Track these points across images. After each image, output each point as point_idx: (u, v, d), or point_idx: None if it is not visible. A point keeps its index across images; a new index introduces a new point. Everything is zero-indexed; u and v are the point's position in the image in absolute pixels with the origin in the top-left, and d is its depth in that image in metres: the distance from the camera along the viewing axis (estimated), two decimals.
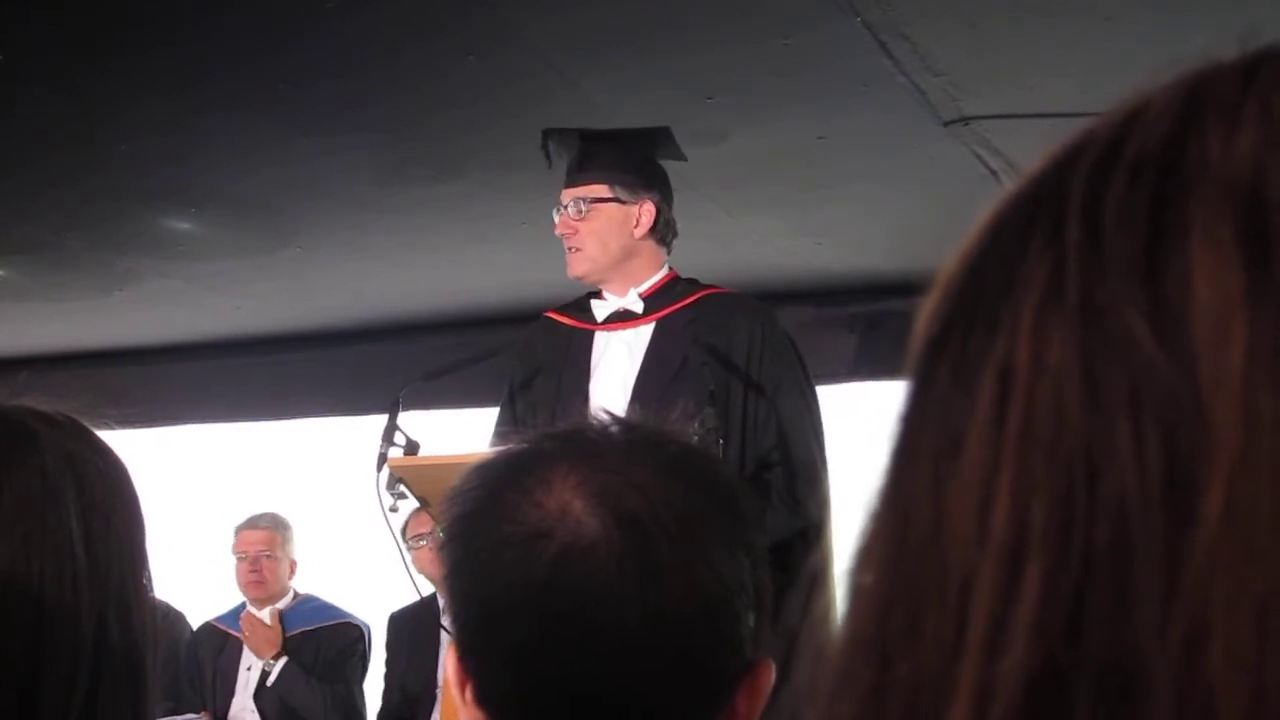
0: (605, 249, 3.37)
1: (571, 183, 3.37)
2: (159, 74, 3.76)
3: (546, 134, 3.42)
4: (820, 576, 3.19)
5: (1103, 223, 0.41)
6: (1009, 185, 0.46)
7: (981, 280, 0.44)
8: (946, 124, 4.03)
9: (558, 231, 3.36)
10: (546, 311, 3.60)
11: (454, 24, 3.47)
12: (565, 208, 3.35)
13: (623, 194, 3.36)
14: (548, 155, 3.43)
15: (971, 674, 0.40)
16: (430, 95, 3.92)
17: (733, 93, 3.88)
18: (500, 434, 3.42)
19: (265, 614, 5.18)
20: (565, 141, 3.40)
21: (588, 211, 3.33)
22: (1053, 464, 0.40)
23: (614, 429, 1.07)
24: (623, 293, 3.43)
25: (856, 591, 0.45)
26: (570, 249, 3.36)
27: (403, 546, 4.09)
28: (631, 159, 3.41)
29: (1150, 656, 0.37)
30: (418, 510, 4.40)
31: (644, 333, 3.41)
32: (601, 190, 3.35)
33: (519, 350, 3.57)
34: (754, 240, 5.24)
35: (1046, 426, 0.40)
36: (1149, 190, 0.41)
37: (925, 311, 0.46)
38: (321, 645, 5.19)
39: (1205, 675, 0.37)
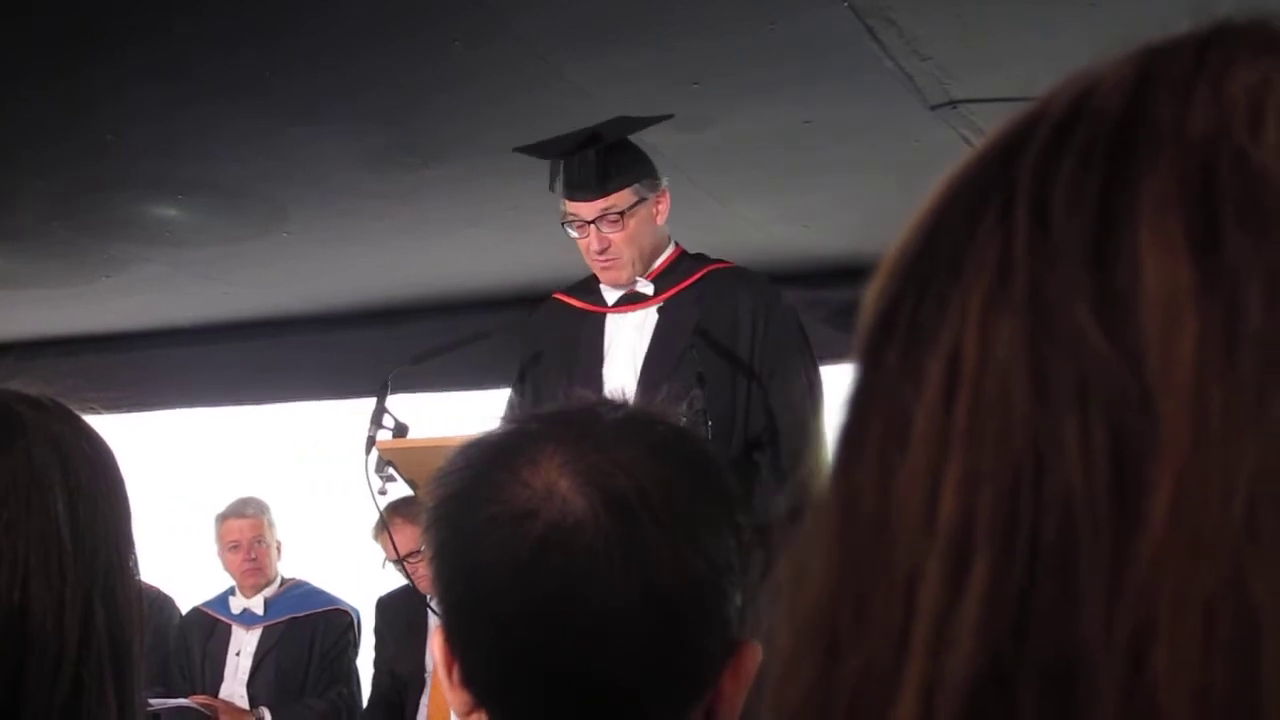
0: (641, 251, 3.33)
1: (593, 196, 3.25)
2: (146, 62, 3.75)
3: (561, 158, 3.28)
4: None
5: (1051, 209, 0.40)
6: (958, 162, 0.45)
7: (929, 261, 0.43)
8: (934, 108, 4.03)
9: (593, 248, 3.27)
10: (555, 294, 3.56)
11: (442, 12, 3.46)
12: (594, 224, 3.25)
13: (645, 191, 3.30)
14: (555, 178, 3.28)
15: (918, 669, 0.39)
16: (418, 82, 3.92)
17: (719, 78, 3.87)
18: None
19: (258, 600, 5.18)
20: (582, 158, 3.26)
21: (621, 222, 3.27)
22: (1000, 457, 0.39)
23: (601, 409, 1.07)
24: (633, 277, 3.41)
25: (803, 578, 0.44)
26: (607, 262, 3.30)
27: (391, 530, 4.10)
28: (639, 153, 3.35)
29: (1095, 656, 0.37)
30: (394, 510, 4.39)
31: (653, 314, 3.39)
32: (627, 197, 3.26)
33: (529, 332, 3.54)
34: (741, 225, 5.24)
35: (993, 418, 0.40)
36: (1098, 177, 0.40)
37: (873, 291, 0.45)
38: (316, 634, 5.18)
39: (1150, 676, 0.36)
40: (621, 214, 3.26)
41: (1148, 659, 0.36)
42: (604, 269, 3.33)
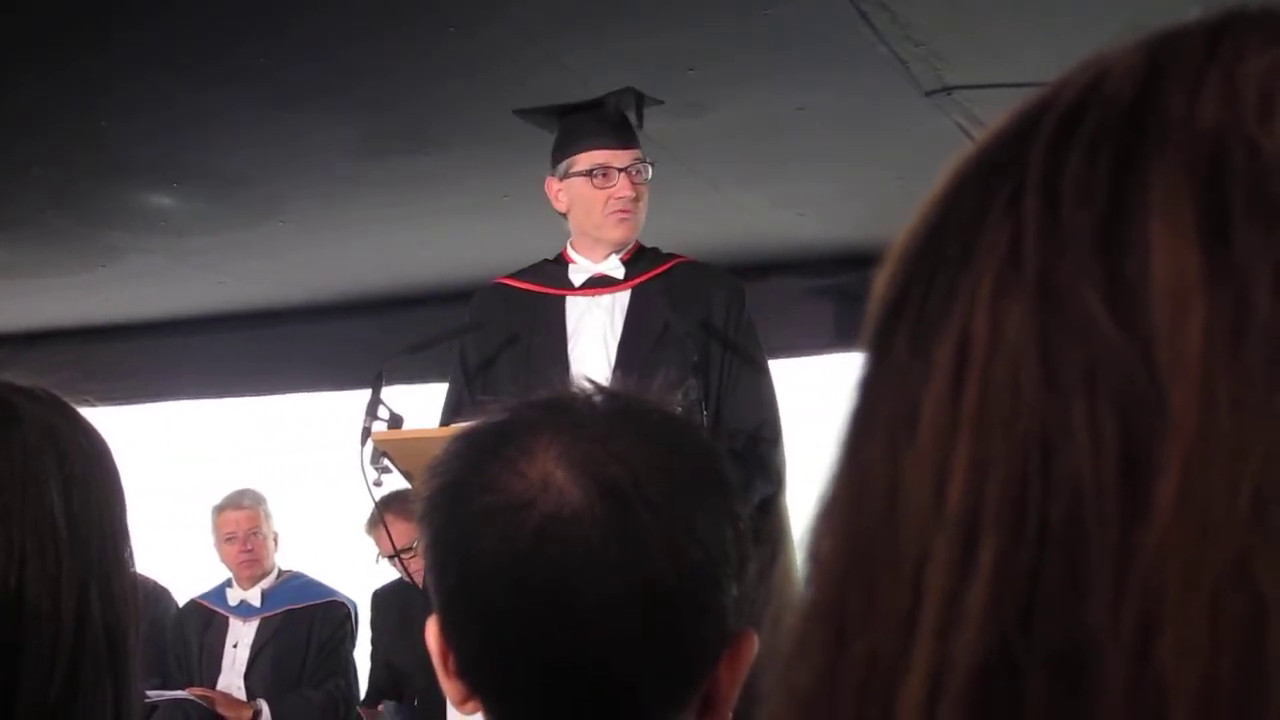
0: (644, 216, 3.36)
1: (627, 143, 3.30)
2: (141, 50, 3.74)
3: (598, 101, 3.32)
4: (779, 543, 3.19)
5: (1061, 196, 0.40)
6: (967, 148, 0.45)
7: (940, 246, 0.44)
8: (928, 94, 4.03)
9: (625, 193, 3.27)
10: (498, 279, 3.54)
11: None
12: (625, 170, 3.27)
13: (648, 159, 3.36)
14: (581, 134, 3.31)
15: (925, 652, 0.40)
16: (412, 70, 3.91)
17: (714, 65, 3.87)
18: (453, 408, 3.40)
19: (255, 592, 5.18)
20: (622, 102, 3.31)
21: (643, 176, 3.30)
22: (1009, 441, 0.39)
23: (597, 398, 1.06)
24: (600, 258, 3.40)
25: (814, 558, 0.45)
26: (626, 212, 3.29)
27: (386, 522, 4.09)
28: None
29: (1102, 642, 0.37)
30: (387, 505, 4.37)
31: (622, 299, 3.38)
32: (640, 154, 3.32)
33: (471, 317, 3.50)
34: (736, 212, 5.24)
35: (1003, 403, 0.40)
36: (1108, 164, 0.40)
37: (882, 276, 0.46)
38: (314, 625, 5.18)
39: (1157, 663, 0.36)
40: (650, 164, 3.30)
41: (1154, 644, 0.36)
42: (621, 221, 3.31)
